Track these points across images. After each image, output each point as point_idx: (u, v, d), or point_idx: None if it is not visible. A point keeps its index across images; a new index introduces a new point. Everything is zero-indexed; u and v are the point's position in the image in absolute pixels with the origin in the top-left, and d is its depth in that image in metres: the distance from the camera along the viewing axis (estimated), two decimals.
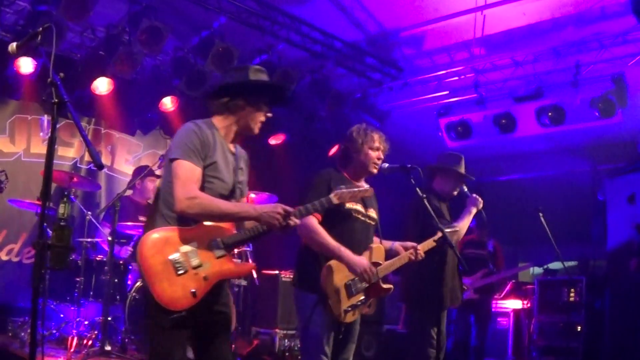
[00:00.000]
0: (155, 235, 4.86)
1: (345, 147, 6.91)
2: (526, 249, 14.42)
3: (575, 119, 12.00)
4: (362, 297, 6.35)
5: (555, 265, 12.50)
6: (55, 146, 4.57)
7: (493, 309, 13.15)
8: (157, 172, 10.33)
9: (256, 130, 5.47)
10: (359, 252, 6.32)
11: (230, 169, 5.33)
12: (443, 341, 8.42)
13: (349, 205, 6.38)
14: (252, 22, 11.31)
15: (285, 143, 13.91)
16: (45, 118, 5.32)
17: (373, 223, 6.73)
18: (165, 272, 4.81)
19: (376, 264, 6.39)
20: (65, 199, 4.48)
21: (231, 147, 5.43)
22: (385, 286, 6.41)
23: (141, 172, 10.48)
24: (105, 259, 9.45)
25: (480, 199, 8.14)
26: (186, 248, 4.97)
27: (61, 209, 4.44)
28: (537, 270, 14.51)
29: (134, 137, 12.92)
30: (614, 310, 12.05)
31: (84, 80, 11.08)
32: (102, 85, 11.12)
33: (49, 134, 4.34)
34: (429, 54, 12.83)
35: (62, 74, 4.47)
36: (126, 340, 9.33)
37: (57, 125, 4.51)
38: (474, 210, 8.16)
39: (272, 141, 13.90)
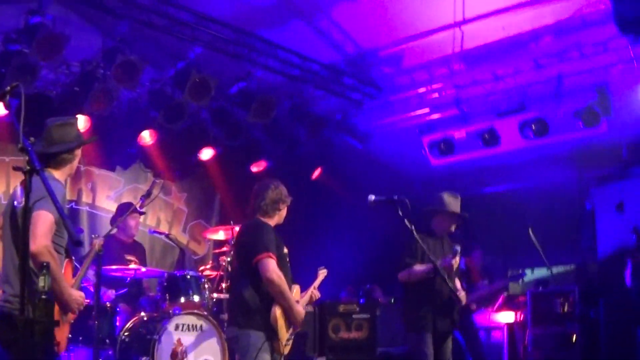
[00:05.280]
0: None
1: (270, 199, 7.41)
2: (516, 259, 14.31)
3: (559, 130, 11.95)
4: (292, 331, 7.28)
5: (545, 272, 12.42)
6: None
7: (487, 323, 13.07)
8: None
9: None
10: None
11: None
12: None
13: (285, 250, 7.33)
14: (228, 50, 11.25)
15: (268, 170, 13.72)
16: (19, 187, 5.24)
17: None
18: None
19: (296, 302, 7.32)
20: (44, 271, 4.30)
21: None
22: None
23: (124, 210, 10.32)
24: (92, 303, 9.25)
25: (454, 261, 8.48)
26: None
27: (41, 282, 4.28)
28: (529, 276, 14.44)
29: (114, 173, 12.71)
30: (608, 319, 11.96)
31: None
32: (79, 123, 10.90)
33: (22, 203, 4.20)
34: (408, 71, 12.73)
35: (32, 139, 4.37)
36: None
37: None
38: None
39: (254, 168, 13.73)
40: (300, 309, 7.27)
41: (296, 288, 7.53)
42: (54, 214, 5.28)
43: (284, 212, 7.54)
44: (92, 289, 9.48)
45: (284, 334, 7.13)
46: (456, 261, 8.43)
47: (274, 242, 7.15)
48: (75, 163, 6.13)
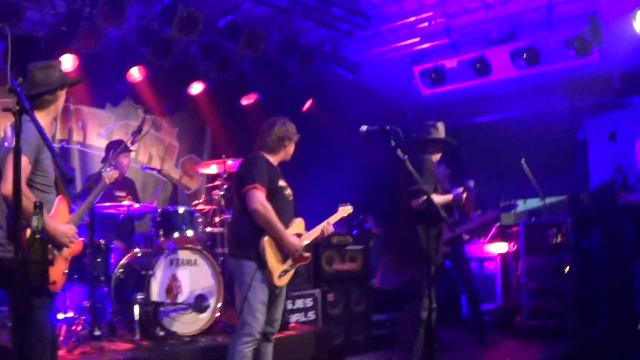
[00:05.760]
0: None
1: (276, 135, 7.63)
2: (509, 187, 14.34)
3: (550, 59, 11.95)
4: (291, 263, 7.43)
5: (537, 203, 12.44)
6: None
7: (480, 254, 13.15)
8: (131, 148, 10.28)
9: None
10: (287, 224, 7.39)
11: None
12: (434, 296, 8.62)
13: (281, 183, 7.48)
14: None
15: (258, 103, 13.70)
16: (9, 127, 5.25)
17: (291, 198, 7.65)
18: None
19: (298, 235, 7.52)
20: (37, 210, 4.28)
21: None
22: (305, 254, 7.53)
23: (114, 147, 10.29)
24: (86, 241, 9.23)
25: (463, 196, 8.70)
26: None
27: (34, 222, 4.28)
28: (521, 207, 14.47)
29: (104, 110, 12.60)
30: (602, 249, 12.03)
31: (48, 58, 10.65)
32: (66, 62, 10.77)
33: (14, 144, 4.17)
34: (397, 0, 12.56)
35: (20, 79, 4.33)
36: (115, 320, 9.24)
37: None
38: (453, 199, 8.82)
39: (245, 101, 13.66)
40: (293, 241, 7.36)
41: (297, 221, 7.64)
42: (28, 156, 5.39)
43: (290, 149, 7.74)
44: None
45: (276, 265, 7.28)
46: (465, 196, 8.48)
47: (265, 175, 7.31)
48: (60, 104, 6.24)
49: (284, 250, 7.34)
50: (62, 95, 6.20)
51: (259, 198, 7.14)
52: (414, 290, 8.68)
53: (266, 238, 7.18)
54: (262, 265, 7.17)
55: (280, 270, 7.32)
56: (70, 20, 10.48)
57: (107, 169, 7.89)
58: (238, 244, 7.42)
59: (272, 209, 7.19)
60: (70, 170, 10.72)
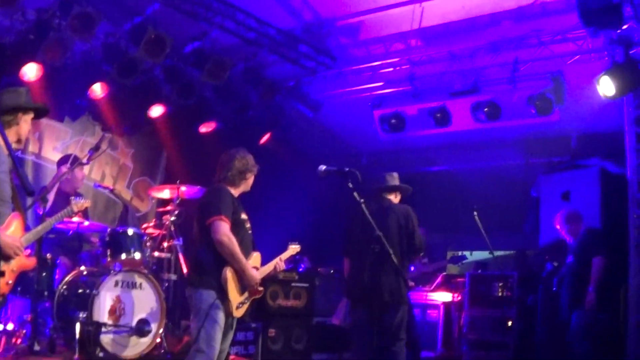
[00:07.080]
0: None
1: (236, 169, 7.61)
2: (458, 238, 14.43)
3: (511, 115, 12.02)
4: (247, 296, 7.45)
5: (484, 255, 12.50)
6: None
7: (423, 301, 13.16)
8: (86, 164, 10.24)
9: None
10: (246, 257, 7.39)
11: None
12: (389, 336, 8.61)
13: (243, 216, 7.52)
14: (185, 9, 11.05)
15: (216, 131, 13.69)
16: None
17: (250, 231, 7.68)
18: None
19: (256, 269, 7.54)
20: None
21: None
22: (260, 288, 7.56)
23: (64, 162, 10.28)
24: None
25: None
26: None
27: None
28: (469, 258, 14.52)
29: (62, 124, 12.50)
30: (545, 306, 12.08)
31: (13, 66, 10.69)
32: (30, 71, 10.73)
33: None
34: (364, 43, 12.65)
35: None
36: (55, 336, 9.07)
37: None
38: None
39: (203, 129, 13.63)
40: (254, 274, 7.38)
41: (255, 255, 7.67)
42: None
43: (250, 180, 7.72)
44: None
45: (235, 296, 7.29)
46: None
47: (230, 207, 7.31)
48: (22, 129, 6.30)
49: (243, 283, 7.36)
50: (24, 119, 6.29)
51: (224, 229, 7.14)
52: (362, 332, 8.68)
53: (229, 269, 7.19)
54: (222, 295, 7.17)
55: (238, 302, 7.35)
56: (39, 29, 10.44)
57: (77, 198, 7.93)
58: (198, 273, 7.36)
59: (236, 241, 7.20)
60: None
